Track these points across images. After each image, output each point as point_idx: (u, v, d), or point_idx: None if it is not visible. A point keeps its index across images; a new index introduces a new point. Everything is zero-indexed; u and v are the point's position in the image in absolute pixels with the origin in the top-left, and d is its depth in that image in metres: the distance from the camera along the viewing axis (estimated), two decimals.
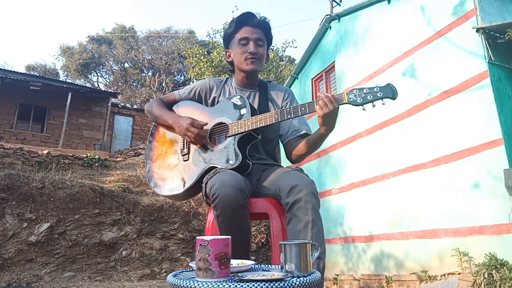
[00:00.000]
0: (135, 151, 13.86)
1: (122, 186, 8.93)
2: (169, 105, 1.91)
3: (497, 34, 4.81)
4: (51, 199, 7.63)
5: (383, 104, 1.44)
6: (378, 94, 1.43)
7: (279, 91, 1.90)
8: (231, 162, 1.60)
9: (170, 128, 1.81)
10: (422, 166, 5.66)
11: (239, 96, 1.74)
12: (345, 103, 1.48)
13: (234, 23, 1.81)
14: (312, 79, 9.10)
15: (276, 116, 1.59)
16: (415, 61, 6.11)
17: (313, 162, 8.39)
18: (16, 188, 7.40)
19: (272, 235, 1.57)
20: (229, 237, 1.03)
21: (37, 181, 7.70)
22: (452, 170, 5.19)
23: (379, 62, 6.81)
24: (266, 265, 1.28)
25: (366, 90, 1.45)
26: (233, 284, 0.87)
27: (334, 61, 8.27)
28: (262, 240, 9.56)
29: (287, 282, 0.91)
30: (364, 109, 1.48)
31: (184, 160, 1.76)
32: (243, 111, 1.68)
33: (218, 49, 13.94)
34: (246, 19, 1.79)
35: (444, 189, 5.28)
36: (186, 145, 1.78)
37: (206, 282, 0.91)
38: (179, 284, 0.94)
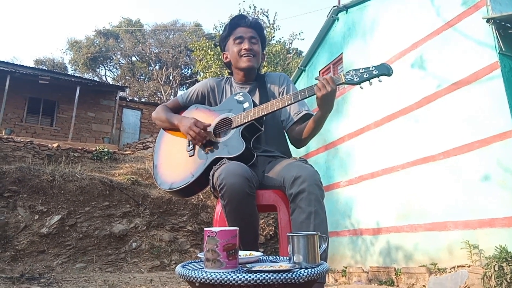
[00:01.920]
0: (144, 144, 13.95)
1: (131, 179, 9.01)
2: (174, 110, 1.98)
3: (508, 24, 4.72)
4: (61, 191, 7.74)
5: (379, 81, 1.51)
6: (374, 72, 1.49)
7: (275, 79, 1.95)
8: (235, 150, 1.62)
9: (176, 129, 1.87)
10: (432, 158, 5.62)
11: (241, 93, 1.79)
12: (343, 83, 1.54)
13: (228, 26, 1.91)
14: (319, 71, 9.04)
15: (278, 103, 1.63)
16: (424, 52, 6.04)
17: (321, 154, 8.37)
18: (27, 181, 7.50)
19: (280, 226, 1.58)
20: (237, 228, 1.03)
21: (48, 174, 7.80)
22: (462, 162, 5.14)
23: (388, 54, 6.74)
24: (274, 257, 1.28)
25: (362, 70, 1.51)
26: (241, 275, 0.88)
27: (341, 53, 8.21)
28: (270, 233, 9.60)
29: (295, 273, 0.91)
30: (361, 88, 1.54)
31: (190, 156, 1.78)
32: (246, 104, 1.73)
33: None
34: (239, 21, 1.89)
35: (454, 181, 5.23)
36: (191, 143, 1.82)
37: (214, 272, 0.92)
38: (187, 274, 0.94)
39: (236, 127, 1.69)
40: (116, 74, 27.47)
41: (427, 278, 5.20)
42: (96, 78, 24.63)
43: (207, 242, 0.98)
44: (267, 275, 0.88)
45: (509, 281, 3.90)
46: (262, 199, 1.59)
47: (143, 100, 21.88)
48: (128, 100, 17.77)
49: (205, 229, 1.00)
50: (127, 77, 26.37)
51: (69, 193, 7.79)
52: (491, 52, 4.87)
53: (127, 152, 12.38)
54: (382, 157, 6.57)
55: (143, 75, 26.98)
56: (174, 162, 1.84)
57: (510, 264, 4.01)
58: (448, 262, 5.15)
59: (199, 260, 1.19)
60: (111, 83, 23.46)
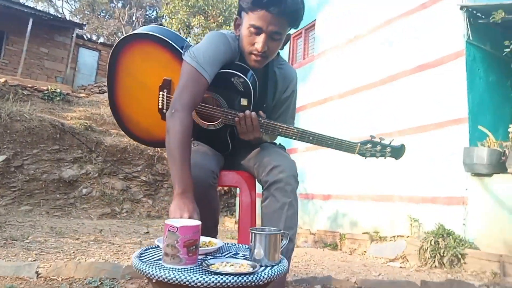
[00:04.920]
0: (100, 88, 13.32)
1: (85, 124, 8.66)
2: (202, 93, 1.41)
3: (479, 14, 4.79)
4: (7, 131, 7.31)
5: (384, 159, 1.61)
6: (387, 154, 1.59)
7: (286, 76, 1.66)
8: (218, 150, 1.60)
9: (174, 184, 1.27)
10: (388, 135, 5.80)
11: (243, 79, 1.45)
12: (354, 154, 1.61)
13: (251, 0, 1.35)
14: (291, 35, 8.85)
15: (281, 129, 1.53)
16: (395, 30, 6.04)
17: None
18: None
19: (240, 208, 1.57)
20: (199, 223, 1.00)
21: None
22: (415, 141, 5.35)
23: (360, 28, 6.68)
24: (234, 244, 1.28)
25: (378, 147, 1.57)
26: (201, 276, 0.86)
27: (315, 20, 8.04)
28: (225, 188, 9.69)
29: (255, 276, 0.91)
30: (365, 158, 1.63)
31: (162, 119, 1.58)
32: (244, 101, 1.49)
33: None
34: (268, 2, 1.32)
35: (404, 158, 5.45)
36: (166, 104, 1.57)
37: (173, 270, 0.89)
38: (145, 270, 0.91)
39: (226, 124, 1.53)
40: (74, 7, 25.47)
41: (369, 245, 5.53)
42: (51, 10, 22.72)
43: (167, 237, 0.94)
44: (227, 278, 0.86)
45: (442, 254, 4.24)
46: (225, 180, 1.59)
47: (102, 40, 20.58)
48: (86, 38, 16.65)
49: (166, 222, 0.96)
50: (86, 12, 24.54)
51: (16, 133, 7.38)
52: (460, 39, 4.96)
53: (81, 95, 11.79)
54: (341, 128, 6.70)
55: (103, 11, 25.21)
56: (142, 114, 1.63)
57: (445, 240, 4.34)
58: (389, 231, 5.49)
59: (156, 246, 1.16)
60: (67, 16, 21.79)
